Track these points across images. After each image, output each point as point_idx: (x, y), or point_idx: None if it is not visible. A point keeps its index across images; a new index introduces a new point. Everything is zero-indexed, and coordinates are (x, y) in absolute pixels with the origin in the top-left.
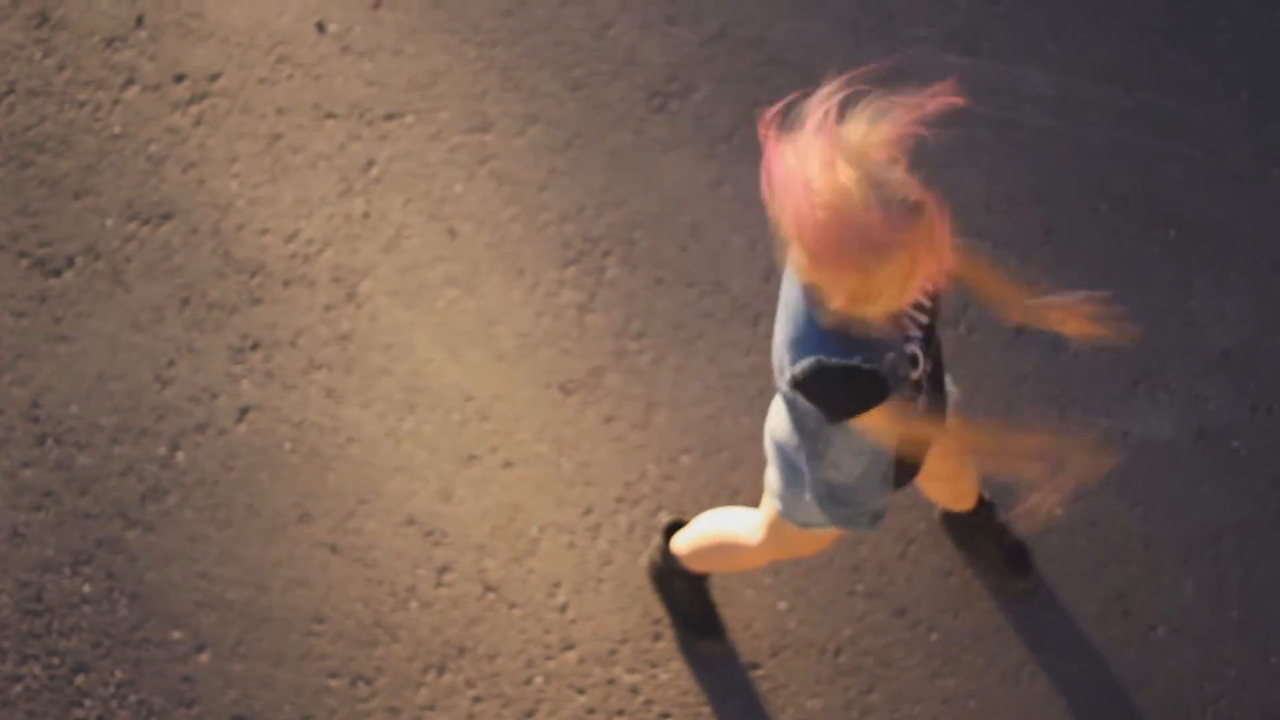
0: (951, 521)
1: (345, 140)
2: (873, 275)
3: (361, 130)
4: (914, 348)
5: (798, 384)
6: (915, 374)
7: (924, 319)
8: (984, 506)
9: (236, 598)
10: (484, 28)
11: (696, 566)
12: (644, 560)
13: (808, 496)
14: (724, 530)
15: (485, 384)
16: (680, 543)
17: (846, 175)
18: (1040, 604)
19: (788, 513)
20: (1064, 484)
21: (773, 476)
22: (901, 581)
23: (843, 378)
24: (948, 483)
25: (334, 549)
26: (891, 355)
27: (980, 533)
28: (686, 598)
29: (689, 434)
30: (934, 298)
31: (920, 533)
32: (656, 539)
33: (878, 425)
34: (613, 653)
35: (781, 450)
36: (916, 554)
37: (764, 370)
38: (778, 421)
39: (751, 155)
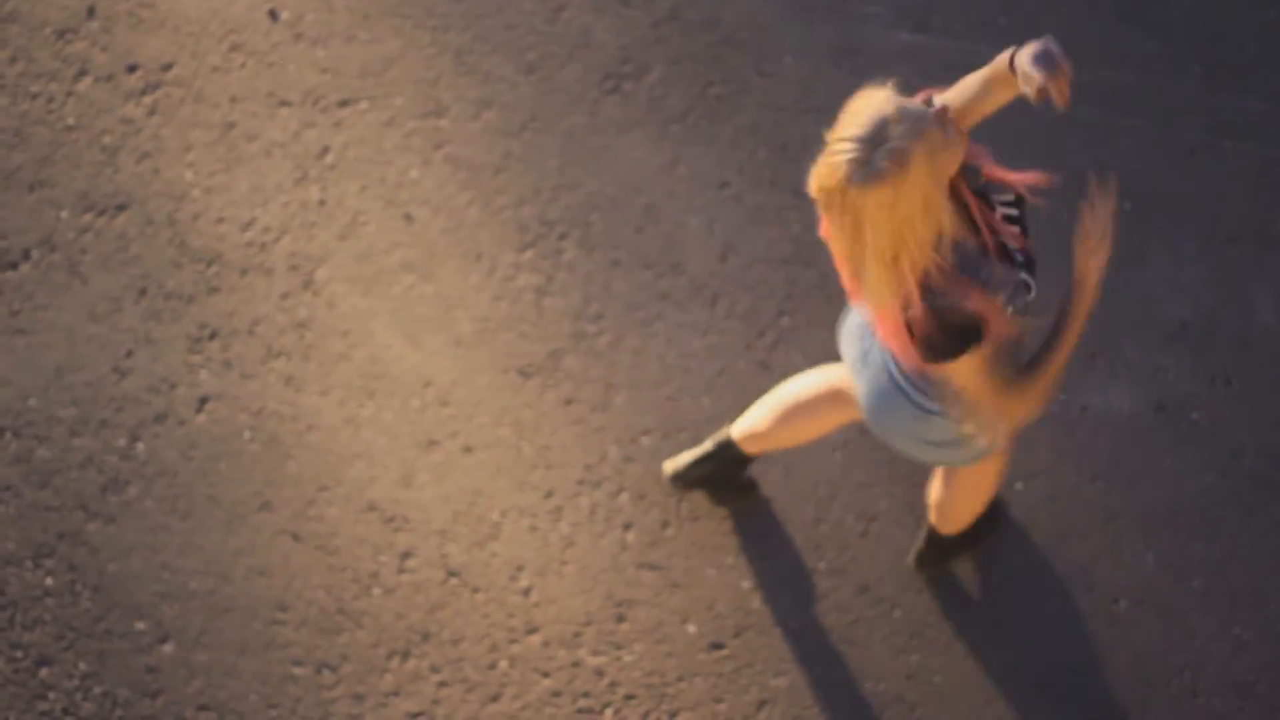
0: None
1: (300, 128)
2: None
3: (316, 117)
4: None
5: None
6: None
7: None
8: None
9: (199, 588)
10: (437, 12)
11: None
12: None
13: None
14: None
15: (444, 369)
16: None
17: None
18: (1002, 579)
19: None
20: None
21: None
22: (864, 559)
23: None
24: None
25: (296, 537)
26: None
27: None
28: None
29: (649, 415)
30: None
31: (881, 511)
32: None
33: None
34: (577, 635)
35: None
36: (878, 531)
37: (722, 350)
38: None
39: (705, 136)
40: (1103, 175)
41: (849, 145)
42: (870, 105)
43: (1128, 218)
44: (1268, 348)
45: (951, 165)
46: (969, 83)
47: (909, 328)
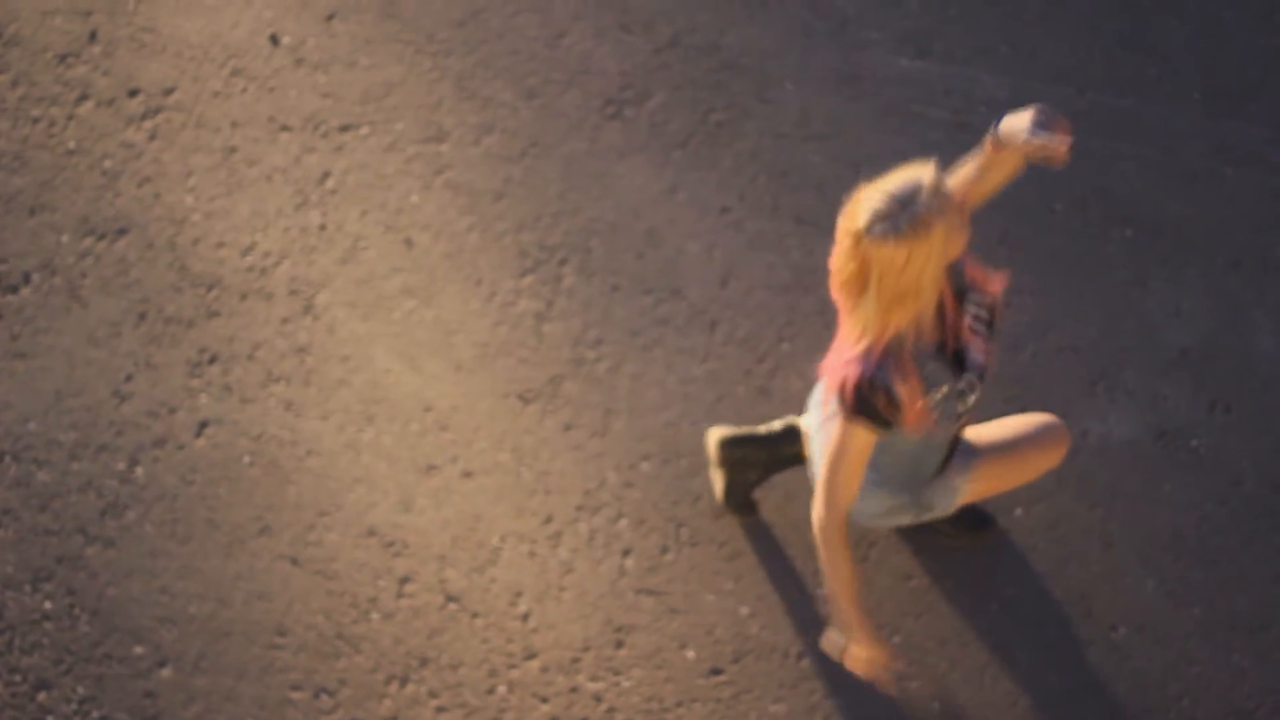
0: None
1: (300, 153)
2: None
3: (316, 142)
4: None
5: None
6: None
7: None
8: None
9: (198, 612)
10: (438, 38)
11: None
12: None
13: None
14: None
15: (444, 394)
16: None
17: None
18: (1001, 606)
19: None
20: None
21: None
22: (863, 586)
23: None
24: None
25: (295, 561)
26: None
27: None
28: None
29: (648, 441)
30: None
31: (880, 538)
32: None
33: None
34: (575, 661)
35: None
36: (878, 558)
37: (721, 376)
38: None
39: (706, 162)
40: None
41: (880, 197)
42: (911, 172)
43: (1129, 244)
44: (1268, 374)
45: (957, 249)
46: (965, 172)
47: (848, 371)
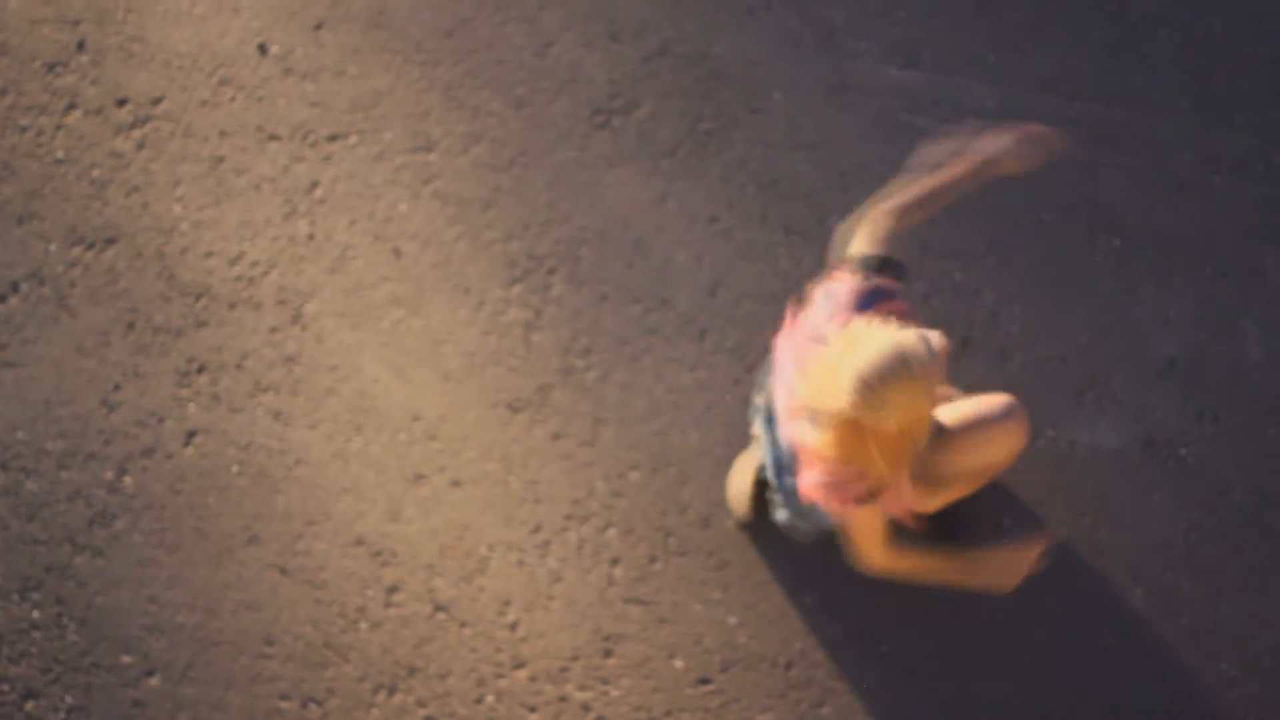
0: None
1: (289, 162)
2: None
3: (305, 152)
4: None
5: None
6: None
7: None
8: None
9: (186, 621)
10: (426, 47)
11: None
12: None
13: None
14: None
15: (432, 403)
16: None
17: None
18: (990, 615)
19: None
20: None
21: None
22: (852, 597)
23: None
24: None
25: (283, 571)
26: None
27: None
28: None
29: (637, 450)
30: None
31: None
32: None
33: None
34: (564, 670)
35: None
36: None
37: (710, 385)
38: None
39: (695, 171)
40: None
41: (858, 385)
42: (881, 345)
43: (1117, 253)
44: (1256, 384)
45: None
46: (936, 192)
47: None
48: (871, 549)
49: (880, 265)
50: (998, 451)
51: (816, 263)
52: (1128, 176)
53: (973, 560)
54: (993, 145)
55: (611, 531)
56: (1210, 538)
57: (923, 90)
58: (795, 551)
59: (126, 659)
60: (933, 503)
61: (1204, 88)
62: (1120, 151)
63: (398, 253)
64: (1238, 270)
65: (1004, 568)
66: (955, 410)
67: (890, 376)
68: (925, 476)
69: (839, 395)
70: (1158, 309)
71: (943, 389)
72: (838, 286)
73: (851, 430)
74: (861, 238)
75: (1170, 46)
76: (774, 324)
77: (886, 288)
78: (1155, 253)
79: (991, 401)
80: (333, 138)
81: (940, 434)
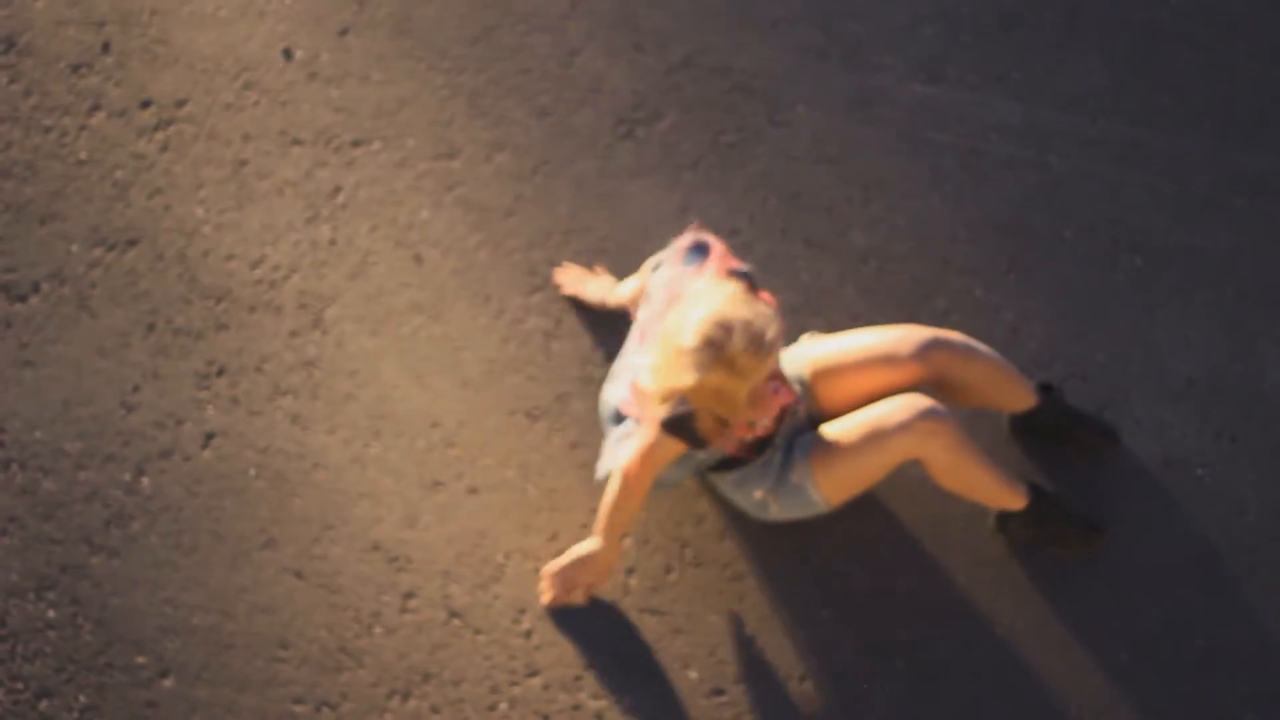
0: (1028, 424)
1: (312, 167)
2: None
3: (328, 157)
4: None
5: None
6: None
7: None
8: (1046, 392)
9: (201, 623)
10: (451, 55)
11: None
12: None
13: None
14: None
15: (451, 410)
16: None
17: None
18: (1006, 633)
19: None
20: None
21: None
22: (868, 612)
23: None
24: (992, 390)
25: (299, 575)
26: None
27: (1062, 419)
28: None
29: None
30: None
31: (887, 565)
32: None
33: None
34: (578, 679)
35: None
36: (883, 585)
37: None
38: None
39: (717, 183)
40: None
41: (700, 344)
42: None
43: (1138, 273)
44: (1275, 405)
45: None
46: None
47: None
48: (642, 462)
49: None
50: (898, 458)
51: (837, 276)
52: (1150, 196)
53: (608, 530)
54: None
55: (627, 541)
56: (1226, 558)
57: (946, 107)
58: (813, 565)
59: (141, 660)
60: (841, 491)
61: (1228, 108)
62: (1143, 171)
63: (419, 259)
64: (1258, 292)
65: (597, 557)
66: (838, 423)
67: (719, 321)
68: (831, 473)
69: (683, 341)
70: (1178, 329)
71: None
72: (664, 266)
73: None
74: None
75: (1195, 67)
76: (794, 336)
77: (702, 242)
78: (1176, 273)
79: (881, 405)
80: (356, 143)
81: (809, 449)
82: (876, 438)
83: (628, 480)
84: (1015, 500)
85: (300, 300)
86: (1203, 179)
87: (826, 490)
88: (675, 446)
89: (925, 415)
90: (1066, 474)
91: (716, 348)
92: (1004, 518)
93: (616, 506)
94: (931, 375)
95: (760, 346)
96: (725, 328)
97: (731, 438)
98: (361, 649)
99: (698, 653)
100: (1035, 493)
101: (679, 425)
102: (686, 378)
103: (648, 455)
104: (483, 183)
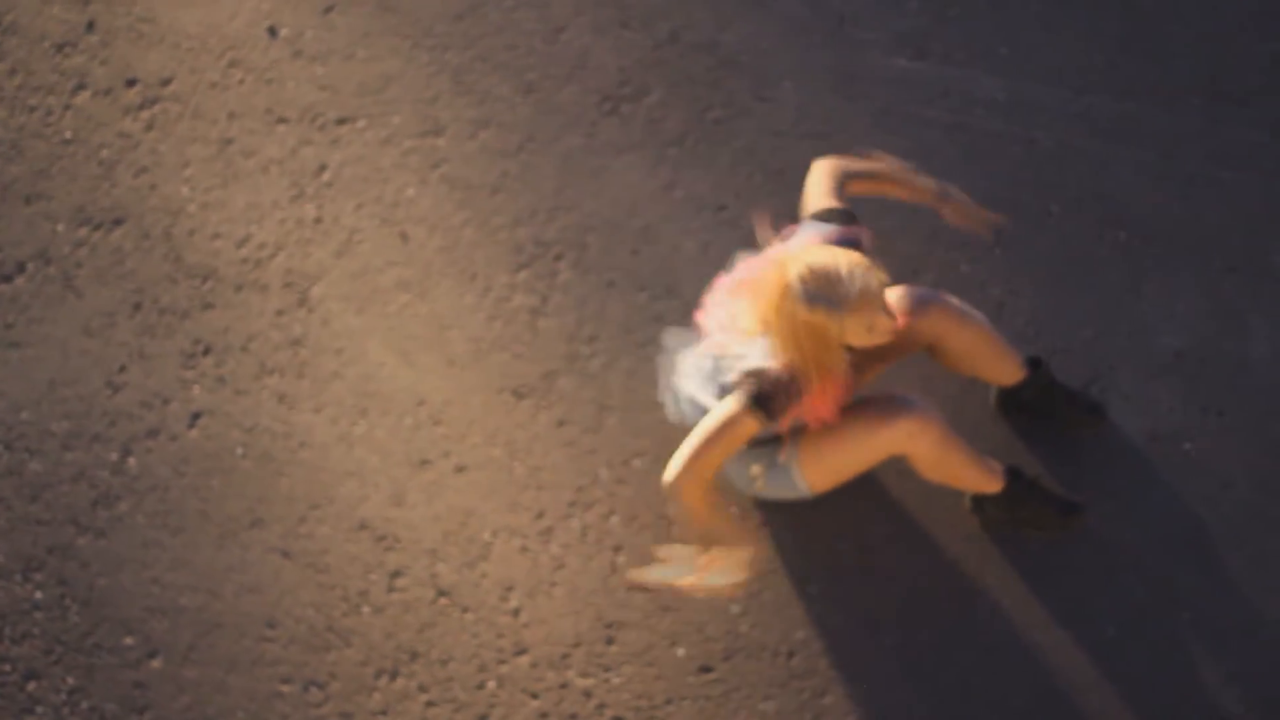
0: (1015, 398)
1: (297, 145)
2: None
3: (313, 135)
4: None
5: None
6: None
7: None
8: (1034, 365)
9: (189, 603)
10: (436, 32)
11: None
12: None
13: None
14: None
15: (437, 388)
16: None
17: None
18: (993, 609)
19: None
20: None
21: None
22: (857, 587)
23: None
24: (981, 358)
25: (286, 554)
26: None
27: (1049, 393)
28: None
29: (641, 437)
30: None
31: (876, 541)
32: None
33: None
34: (565, 657)
35: None
36: (871, 561)
37: None
38: None
39: (703, 159)
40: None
41: (809, 275)
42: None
43: (1124, 247)
44: (1262, 379)
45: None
46: (890, 177)
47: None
48: (695, 463)
49: (832, 216)
50: (880, 454)
51: None
52: (1137, 170)
53: (729, 541)
54: (953, 189)
55: (615, 519)
56: (1213, 533)
57: (932, 82)
58: (800, 541)
59: (128, 640)
60: (824, 480)
61: (1215, 82)
62: (1130, 145)
63: (405, 237)
64: (1246, 265)
65: (730, 564)
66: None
67: (833, 276)
68: (818, 460)
69: (785, 286)
70: (1165, 303)
71: (881, 320)
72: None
73: (787, 324)
74: (814, 195)
75: (1182, 41)
76: None
77: (851, 236)
78: (1163, 247)
79: (871, 401)
80: (341, 121)
81: (798, 436)
82: (864, 433)
83: (672, 489)
84: (992, 484)
85: (286, 279)
86: (1190, 153)
87: (810, 477)
88: (752, 426)
89: (912, 414)
90: (1053, 449)
91: (830, 282)
92: (978, 500)
93: (688, 514)
94: (928, 335)
95: (870, 286)
96: (837, 265)
97: (797, 413)
98: (349, 628)
99: (685, 630)
100: (1012, 475)
101: (763, 395)
102: (793, 307)
103: (714, 438)
104: (468, 160)
